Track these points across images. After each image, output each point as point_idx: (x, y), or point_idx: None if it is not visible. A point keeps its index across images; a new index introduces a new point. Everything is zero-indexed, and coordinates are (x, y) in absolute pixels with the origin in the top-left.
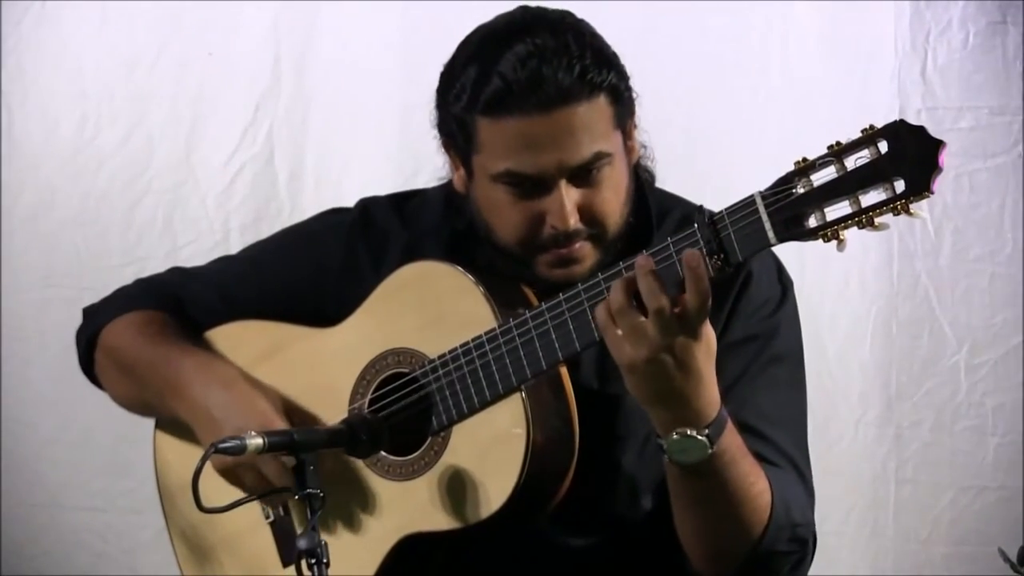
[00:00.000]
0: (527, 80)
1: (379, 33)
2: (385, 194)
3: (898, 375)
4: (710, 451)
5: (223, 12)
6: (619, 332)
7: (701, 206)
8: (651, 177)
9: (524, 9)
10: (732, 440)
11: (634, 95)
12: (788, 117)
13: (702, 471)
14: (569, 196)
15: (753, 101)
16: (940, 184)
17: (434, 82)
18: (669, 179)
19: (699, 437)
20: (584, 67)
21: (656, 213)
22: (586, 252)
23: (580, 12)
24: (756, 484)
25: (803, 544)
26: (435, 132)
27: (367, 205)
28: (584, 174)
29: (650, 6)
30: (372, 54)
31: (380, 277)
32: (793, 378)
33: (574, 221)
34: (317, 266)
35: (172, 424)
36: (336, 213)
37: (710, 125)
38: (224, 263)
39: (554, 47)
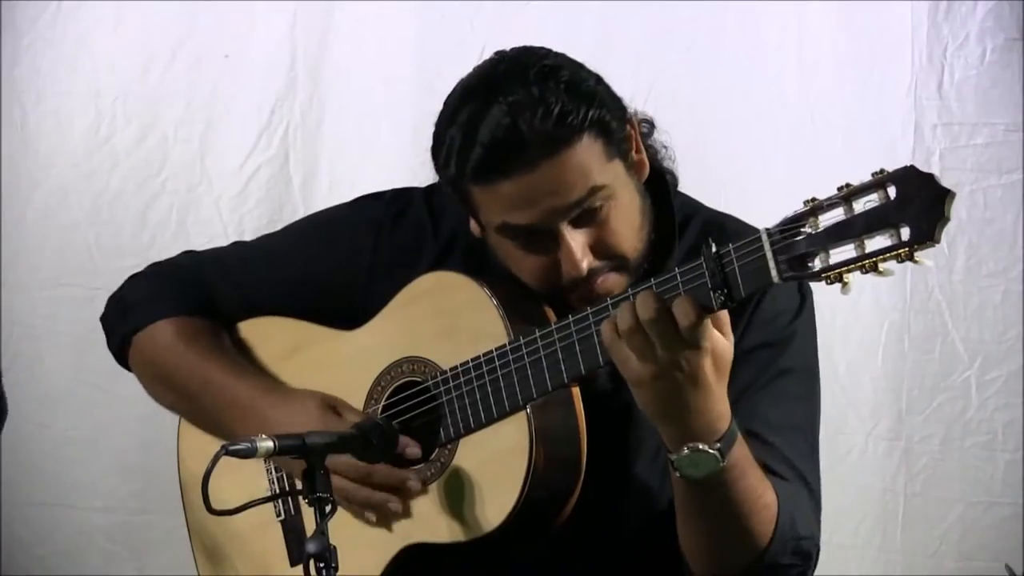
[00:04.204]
0: (507, 143)
1: (395, 37)
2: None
3: (909, 389)
4: (721, 465)
5: (239, 14)
6: (626, 349)
7: (709, 239)
8: (674, 179)
9: (498, 60)
10: (742, 453)
11: (630, 114)
12: (804, 130)
13: (711, 484)
14: (576, 240)
15: (769, 113)
16: (954, 199)
17: (449, 87)
18: (685, 186)
19: (710, 451)
20: (561, 113)
21: (679, 221)
22: (612, 283)
23: (592, 18)
24: (763, 496)
25: (806, 558)
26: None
27: (399, 194)
28: (587, 215)
29: (669, 16)
30: (387, 58)
31: (409, 270)
32: (805, 389)
33: (587, 264)
34: (346, 259)
35: None
36: (369, 201)
37: (727, 137)
38: (243, 250)
39: (528, 101)
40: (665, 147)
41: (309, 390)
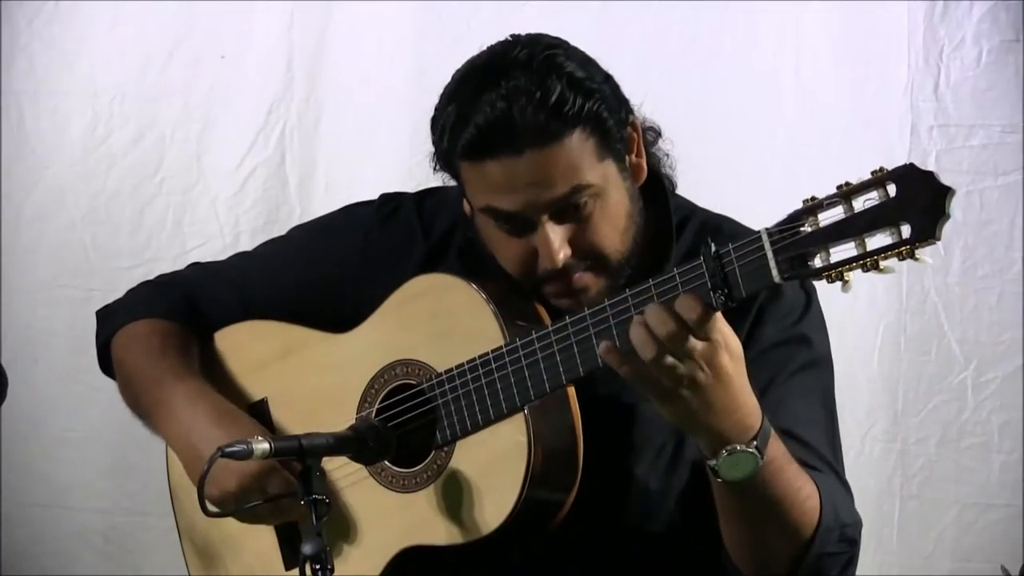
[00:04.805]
0: (498, 126)
1: (392, 38)
2: (410, 191)
3: (905, 391)
4: (761, 462)
5: (236, 15)
6: (652, 374)
7: (708, 239)
8: (672, 184)
9: (506, 44)
10: (778, 448)
11: (635, 117)
12: (800, 132)
13: (752, 483)
14: (555, 233)
15: (766, 116)
16: (954, 196)
17: None
18: (683, 186)
19: (749, 450)
20: (557, 104)
21: (676, 222)
22: (587, 281)
23: (591, 18)
24: (803, 488)
25: (852, 544)
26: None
27: (389, 199)
28: (571, 210)
29: (667, 16)
30: (385, 59)
31: (398, 274)
32: (824, 384)
33: (563, 257)
34: (337, 262)
35: None
36: (359, 207)
37: (724, 137)
38: (243, 260)
39: (526, 88)
40: (667, 155)
41: (245, 414)
